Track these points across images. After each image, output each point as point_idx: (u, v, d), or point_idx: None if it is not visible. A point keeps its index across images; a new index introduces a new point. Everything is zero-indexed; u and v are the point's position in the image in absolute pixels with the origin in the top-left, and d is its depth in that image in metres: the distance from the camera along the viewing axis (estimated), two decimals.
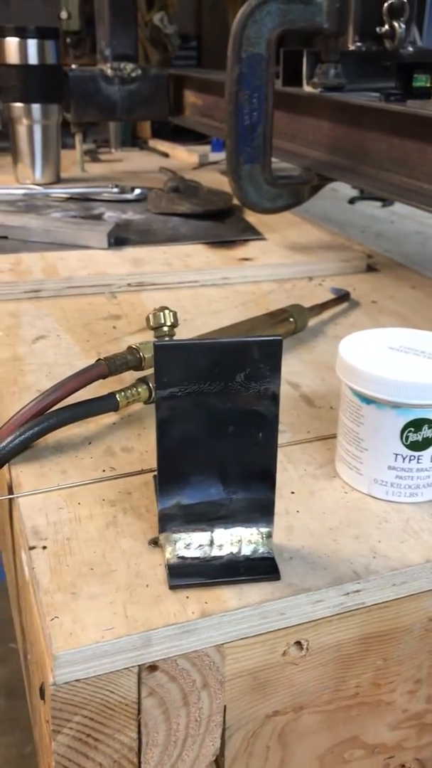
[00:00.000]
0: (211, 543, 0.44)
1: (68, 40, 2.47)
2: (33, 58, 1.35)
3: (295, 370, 0.71)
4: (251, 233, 1.09)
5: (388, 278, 0.99)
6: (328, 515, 0.50)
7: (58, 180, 1.45)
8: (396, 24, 0.98)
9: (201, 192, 1.22)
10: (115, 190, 1.25)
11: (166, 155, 1.88)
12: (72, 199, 1.25)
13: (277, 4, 0.92)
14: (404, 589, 0.45)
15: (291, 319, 0.77)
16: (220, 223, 1.13)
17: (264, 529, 0.45)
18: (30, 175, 1.42)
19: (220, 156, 1.60)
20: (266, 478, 0.44)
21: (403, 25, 0.98)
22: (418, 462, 0.50)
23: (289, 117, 1.13)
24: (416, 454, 0.49)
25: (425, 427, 0.49)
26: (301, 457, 0.57)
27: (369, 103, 0.90)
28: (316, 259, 1.01)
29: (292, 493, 0.52)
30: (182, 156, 1.82)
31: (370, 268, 1.03)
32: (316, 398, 0.65)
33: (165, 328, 0.64)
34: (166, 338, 0.65)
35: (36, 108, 1.38)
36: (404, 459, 0.50)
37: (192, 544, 0.44)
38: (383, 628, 0.46)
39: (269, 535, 0.45)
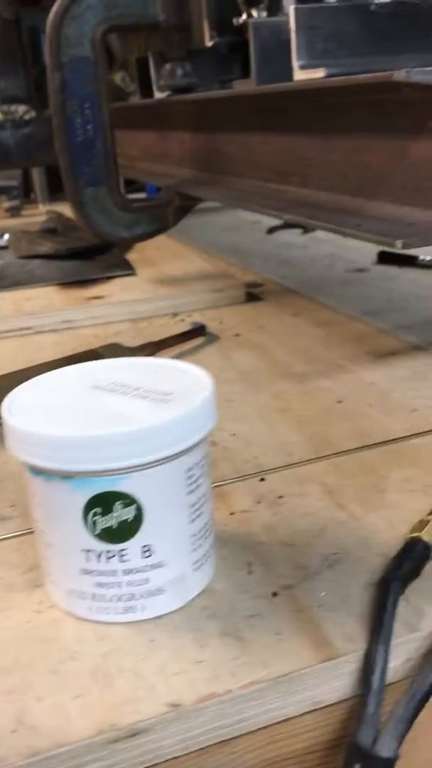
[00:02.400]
0: None
1: None
2: None
3: None
4: (119, 269, 0.93)
5: (269, 307, 0.82)
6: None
7: None
8: (255, 13, 0.83)
9: (79, 231, 1.07)
10: None
11: None
12: None
13: None
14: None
15: None
16: (89, 261, 0.97)
17: None
18: None
19: None
20: None
21: (263, 14, 0.83)
22: (121, 560, 0.32)
23: (158, 135, 0.99)
24: (114, 547, 0.32)
25: (117, 504, 0.31)
26: (10, 556, 0.39)
27: (204, 96, 0.75)
28: (185, 291, 0.85)
29: None
30: None
31: (253, 297, 0.86)
32: None
33: None
34: None
35: None
36: (99, 557, 0.32)
37: None
38: None
39: None
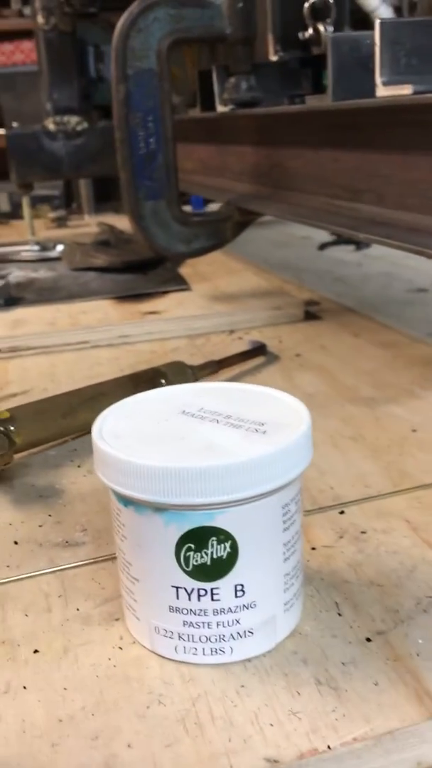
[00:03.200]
0: None
1: None
2: None
3: None
4: (174, 284, 0.92)
5: (329, 326, 0.80)
6: (71, 693, 0.30)
7: None
8: (321, 27, 0.82)
9: (132, 244, 1.06)
10: (36, 248, 1.10)
11: None
12: None
13: (166, 9, 0.77)
14: None
15: (163, 381, 0.59)
16: (142, 275, 0.96)
17: None
18: None
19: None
20: None
21: (330, 28, 0.82)
22: (212, 599, 0.30)
23: (216, 149, 0.98)
24: (207, 586, 0.30)
25: (212, 540, 0.29)
26: (86, 585, 0.37)
27: (272, 110, 0.73)
28: (243, 308, 0.84)
29: (35, 651, 0.33)
30: None
31: (311, 316, 0.84)
32: None
33: None
34: None
35: None
36: (189, 594, 0.30)
37: None
38: None
39: None
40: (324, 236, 1.31)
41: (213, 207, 1.59)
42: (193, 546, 0.29)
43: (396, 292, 0.95)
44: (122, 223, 1.49)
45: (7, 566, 0.39)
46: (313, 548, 0.39)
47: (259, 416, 0.32)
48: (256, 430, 0.31)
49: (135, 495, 0.29)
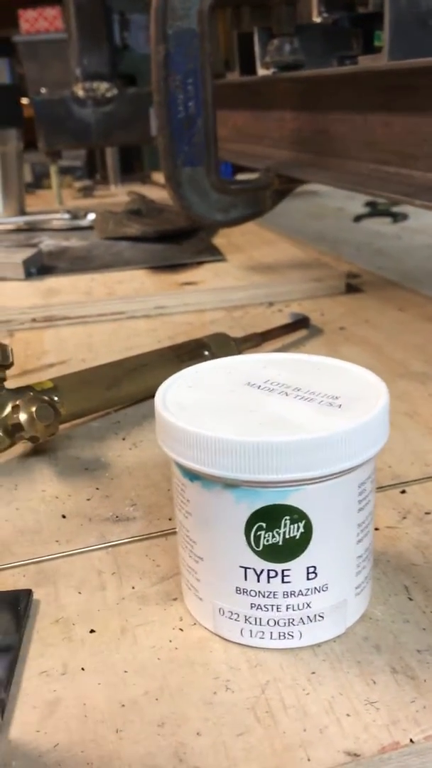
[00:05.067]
0: None
1: None
2: None
3: None
4: (208, 254, 0.90)
5: (372, 300, 0.78)
6: (132, 677, 0.29)
7: (21, 213, 1.29)
8: None
9: (164, 213, 1.04)
10: (67, 216, 1.08)
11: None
12: (19, 230, 1.08)
13: None
14: None
15: (206, 353, 0.57)
16: (176, 245, 0.94)
17: None
18: None
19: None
20: None
21: None
22: (283, 581, 0.28)
23: (253, 115, 0.95)
24: (278, 567, 0.28)
25: (285, 519, 0.27)
26: (139, 562, 0.36)
27: (319, 72, 0.70)
28: (281, 280, 0.81)
29: (92, 631, 0.31)
30: None
31: (353, 289, 0.82)
32: None
33: None
34: None
35: None
36: (258, 576, 0.28)
37: None
38: None
39: None
40: (358, 208, 1.28)
41: (243, 177, 1.55)
42: (264, 525, 0.28)
43: None
44: (150, 192, 1.47)
45: (57, 541, 0.38)
46: (377, 528, 0.37)
47: (331, 389, 0.31)
48: (330, 404, 0.29)
49: (204, 469, 0.27)
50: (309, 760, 0.25)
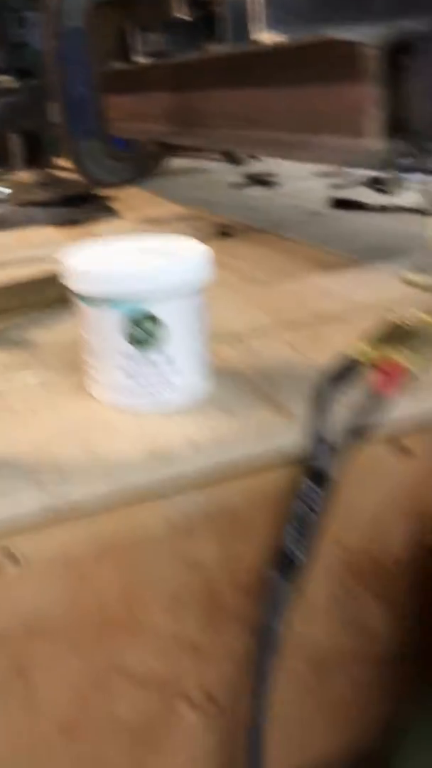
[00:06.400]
0: None
1: None
2: None
3: None
4: (105, 212, 1.08)
5: (240, 242, 0.97)
6: (59, 422, 0.47)
7: None
8: None
9: (66, 183, 1.21)
10: None
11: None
12: None
13: None
14: (117, 483, 0.42)
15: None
16: (77, 207, 1.11)
17: None
18: None
19: None
20: None
21: None
22: (153, 364, 0.47)
23: (137, 97, 1.12)
24: (144, 352, 0.47)
25: (147, 322, 0.46)
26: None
27: (182, 60, 0.89)
28: (165, 229, 1.00)
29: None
30: None
31: (225, 234, 1.01)
32: None
33: None
34: None
35: None
36: (132, 358, 0.47)
37: None
38: (118, 536, 0.43)
39: None
40: (239, 180, 1.47)
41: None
42: (134, 324, 0.46)
43: (298, 214, 1.12)
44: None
45: None
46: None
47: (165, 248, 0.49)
48: (169, 257, 0.48)
49: (92, 293, 0.46)
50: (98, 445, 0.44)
